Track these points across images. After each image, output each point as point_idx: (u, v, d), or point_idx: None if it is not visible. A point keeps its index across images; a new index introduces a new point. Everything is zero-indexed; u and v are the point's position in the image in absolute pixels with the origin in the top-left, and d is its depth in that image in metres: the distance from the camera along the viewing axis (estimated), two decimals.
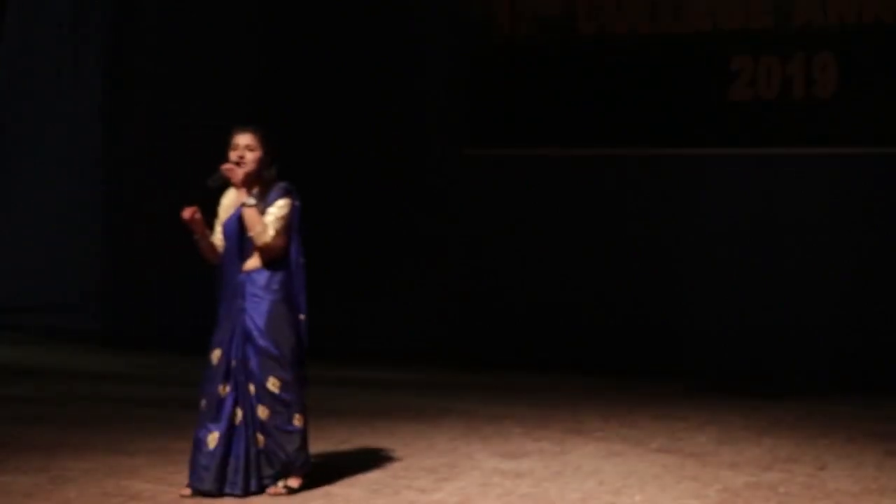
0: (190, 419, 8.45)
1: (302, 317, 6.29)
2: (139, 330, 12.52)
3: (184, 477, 6.70)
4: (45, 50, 13.23)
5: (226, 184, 6.35)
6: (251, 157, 6.28)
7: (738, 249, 10.96)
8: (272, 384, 6.18)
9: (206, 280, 12.19)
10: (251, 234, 6.20)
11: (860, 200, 10.68)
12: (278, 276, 6.25)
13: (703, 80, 11.02)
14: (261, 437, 6.21)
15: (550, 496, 6.43)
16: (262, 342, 6.19)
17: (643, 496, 6.45)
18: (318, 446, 7.53)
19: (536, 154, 11.59)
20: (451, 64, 11.85)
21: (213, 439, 6.19)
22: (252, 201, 6.21)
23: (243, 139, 6.31)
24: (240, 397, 6.22)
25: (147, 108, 12.85)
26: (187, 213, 6.29)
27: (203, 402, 6.30)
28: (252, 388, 6.20)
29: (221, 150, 12.74)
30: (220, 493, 6.19)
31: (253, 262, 6.27)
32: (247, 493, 6.20)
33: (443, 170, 11.86)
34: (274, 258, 6.26)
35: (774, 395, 9.93)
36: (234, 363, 6.25)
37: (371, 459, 7.20)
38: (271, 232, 6.19)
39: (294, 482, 6.31)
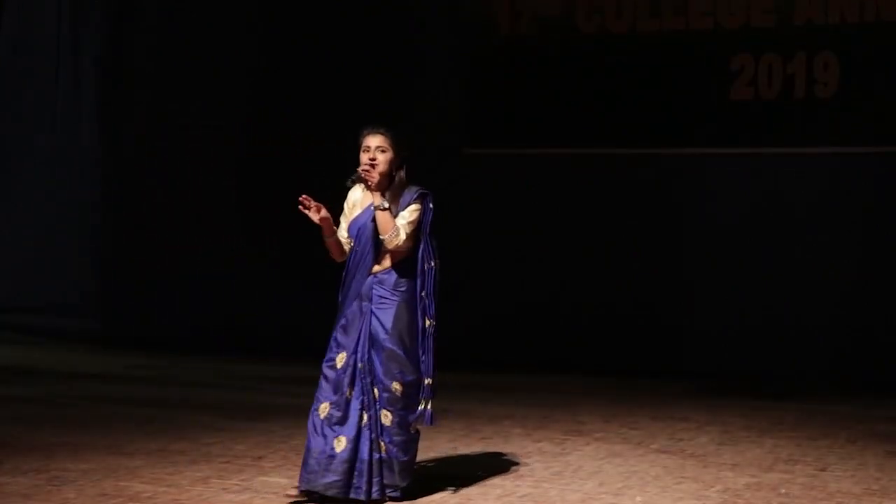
0: (189, 420, 8.48)
1: (429, 321, 6.21)
2: (139, 330, 12.52)
3: (182, 477, 6.71)
4: (44, 50, 13.23)
5: (358, 183, 6.29)
6: (383, 159, 6.20)
7: (738, 249, 10.96)
8: (396, 388, 6.14)
9: (205, 280, 12.29)
10: (383, 236, 6.14)
11: (860, 200, 10.67)
12: (405, 279, 6.19)
13: (704, 79, 11.01)
14: (383, 444, 6.15)
15: (551, 497, 6.42)
16: (389, 344, 6.13)
17: (644, 497, 6.44)
18: None
19: (536, 154, 11.58)
20: (451, 64, 11.85)
21: (340, 443, 6.11)
22: (386, 204, 6.14)
23: (374, 140, 6.24)
24: (366, 400, 6.14)
25: (147, 108, 12.86)
26: (314, 214, 6.17)
27: (324, 406, 6.15)
28: (377, 392, 6.14)
29: (222, 149, 12.84)
30: (346, 498, 6.11)
31: (382, 265, 6.22)
32: (369, 497, 6.12)
33: (443, 170, 11.83)
34: (399, 261, 6.21)
35: (775, 395, 9.93)
36: (360, 366, 6.16)
37: None
38: (403, 235, 6.13)
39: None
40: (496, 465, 7.13)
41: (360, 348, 6.17)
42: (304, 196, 6.20)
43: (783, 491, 6.60)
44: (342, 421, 6.12)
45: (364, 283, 6.21)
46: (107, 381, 10.45)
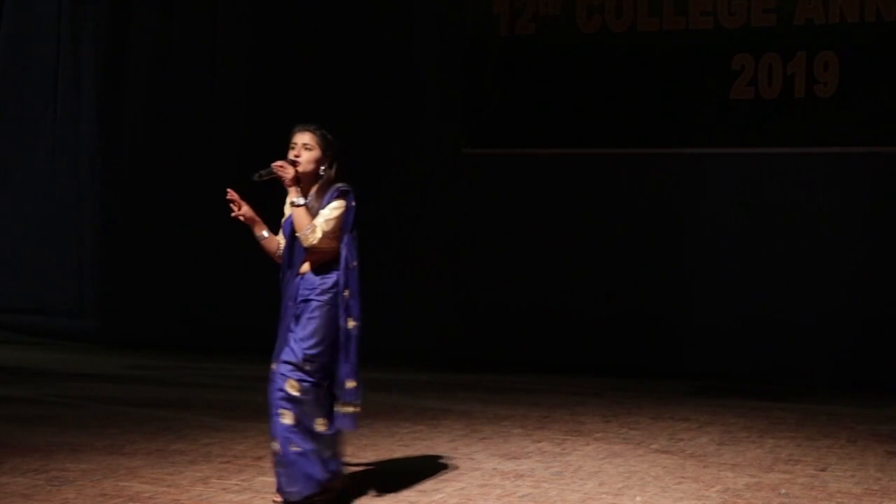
0: (188, 420, 8.47)
1: (353, 323, 6.02)
2: (139, 330, 12.52)
3: (182, 477, 6.70)
4: (44, 50, 13.22)
5: (274, 180, 6.12)
6: (307, 157, 6.09)
7: (738, 249, 10.95)
8: (290, 387, 5.95)
9: (205, 281, 12.29)
10: (298, 234, 6.02)
11: (860, 200, 10.66)
12: (329, 279, 6.04)
13: (704, 79, 11.00)
14: (280, 441, 5.99)
15: (551, 497, 6.41)
16: (292, 342, 5.99)
17: (644, 497, 6.43)
18: None
19: (536, 154, 11.58)
20: (451, 63, 11.84)
21: (274, 445, 6.04)
22: (301, 200, 6.02)
23: (302, 138, 6.14)
24: (273, 401, 6.03)
25: (147, 108, 12.85)
26: (236, 209, 6.10)
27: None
28: (280, 392, 5.99)
29: (222, 149, 12.83)
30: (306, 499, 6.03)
31: (307, 265, 6.08)
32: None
33: (443, 170, 11.84)
34: (325, 261, 6.06)
35: (775, 395, 9.93)
36: (273, 366, 6.05)
37: (371, 460, 7.18)
38: (318, 234, 5.98)
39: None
40: (496, 465, 7.12)
41: (280, 348, 6.06)
42: (229, 190, 6.12)
43: (783, 491, 6.59)
44: (273, 424, 6.05)
45: (292, 284, 6.10)
46: (106, 381, 10.44)
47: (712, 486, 6.68)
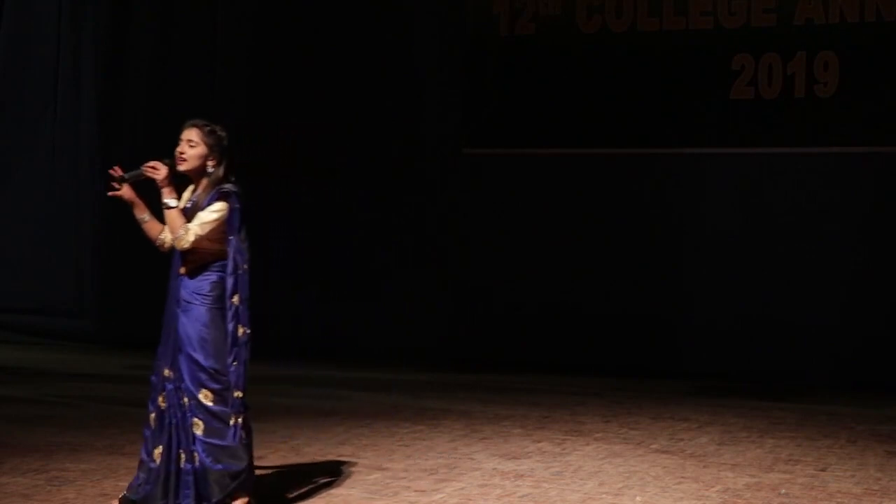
0: None
1: (243, 329, 5.78)
2: (138, 331, 12.48)
3: None
4: (44, 50, 13.22)
5: (145, 181, 6.02)
6: (192, 154, 5.97)
7: (738, 249, 10.95)
8: (204, 396, 5.75)
9: None
10: (172, 237, 5.88)
11: (861, 200, 10.66)
12: (210, 282, 5.86)
13: (704, 79, 11.00)
14: (196, 454, 5.74)
15: (551, 497, 6.41)
16: (189, 350, 5.80)
17: (644, 497, 6.43)
18: (317, 446, 7.53)
19: (536, 154, 11.57)
20: (451, 63, 11.84)
21: (157, 454, 5.79)
22: (172, 203, 5.90)
23: (187, 134, 6.02)
24: (174, 409, 5.80)
25: (146, 108, 12.84)
26: (116, 186, 6.01)
27: (153, 416, 5.86)
28: (186, 400, 5.78)
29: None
30: None
31: (188, 266, 5.91)
32: None
33: (442, 170, 11.84)
34: (204, 262, 5.91)
35: (775, 395, 9.93)
36: (167, 373, 5.89)
37: (370, 460, 7.18)
38: (190, 237, 5.81)
39: (240, 503, 5.84)
40: (495, 465, 7.12)
41: (169, 354, 5.91)
42: (115, 168, 6.03)
43: (783, 491, 6.59)
44: (159, 430, 5.82)
45: (175, 285, 5.97)
46: (106, 381, 10.44)
47: (712, 486, 6.68)
